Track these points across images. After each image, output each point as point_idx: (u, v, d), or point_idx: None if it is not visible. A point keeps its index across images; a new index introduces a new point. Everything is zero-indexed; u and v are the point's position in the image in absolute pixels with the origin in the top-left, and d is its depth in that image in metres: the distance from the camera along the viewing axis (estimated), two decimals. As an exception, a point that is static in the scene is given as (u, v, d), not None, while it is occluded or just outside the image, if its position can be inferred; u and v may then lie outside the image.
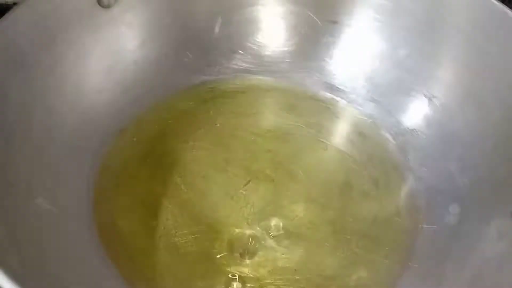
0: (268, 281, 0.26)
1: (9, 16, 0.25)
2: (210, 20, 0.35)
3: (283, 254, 0.27)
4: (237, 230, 0.28)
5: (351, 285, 0.26)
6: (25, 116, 0.27)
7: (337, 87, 0.36)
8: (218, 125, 0.33)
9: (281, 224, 0.28)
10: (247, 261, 0.26)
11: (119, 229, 0.27)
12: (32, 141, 0.26)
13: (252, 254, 0.27)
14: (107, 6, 0.31)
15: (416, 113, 0.33)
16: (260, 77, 0.36)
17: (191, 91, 0.35)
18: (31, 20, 0.27)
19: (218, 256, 0.26)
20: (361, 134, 0.34)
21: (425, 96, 0.33)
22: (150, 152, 0.31)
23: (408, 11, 0.33)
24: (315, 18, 0.36)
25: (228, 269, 0.26)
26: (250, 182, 0.30)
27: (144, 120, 0.33)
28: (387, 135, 0.33)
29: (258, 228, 0.28)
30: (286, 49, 0.37)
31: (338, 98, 0.35)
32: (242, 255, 0.27)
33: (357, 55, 0.36)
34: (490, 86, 0.30)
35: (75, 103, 0.30)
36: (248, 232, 0.28)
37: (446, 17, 0.31)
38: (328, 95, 0.36)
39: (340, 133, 0.34)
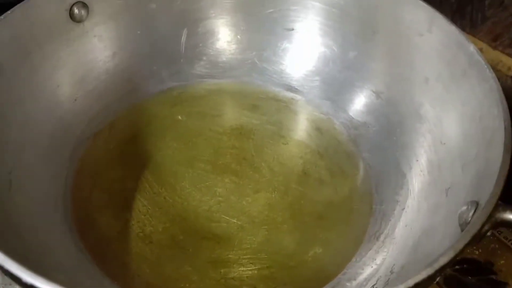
0: (234, 258, 0.28)
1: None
2: (175, 31, 0.39)
3: (248, 236, 0.29)
4: (204, 218, 0.30)
5: (308, 261, 0.29)
6: (4, 122, 0.29)
7: (296, 88, 0.39)
8: (185, 126, 0.36)
9: (245, 211, 0.31)
10: (215, 246, 0.29)
11: (96, 222, 0.29)
12: (10, 145, 0.29)
13: (219, 239, 0.29)
14: (79, 21, 0.34)
15: (366, 108, 0.37)
16: (223, 81, 0.39)
17: (160, 97, 0.38)
18: (8, 35, 0.29)
19: (186, 241, 0.29)
20: (318, 129, 0.37)
21: (373, 92, 0.37)
22: (123, 153, 0.34)
23: (354, 18, 0.37)
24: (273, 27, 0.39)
25: (197, 254, 0.29)
26: (216, 176, 0.33)
27: (117, 125, 0.36)
28: (341, 129, 0.37)
29: (223, 216, 0.30)
30: (248, 54, 0.40)
31: (297, 98, 0.39)
32: (209, 240, 0.29)
33: (312, 58, 0.39)
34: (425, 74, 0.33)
35: (51, 110, 0.33)
36: (215, 219, 0.30)
37: (381, 21, 0.35)
38: (288, 95, 0.39)
39: (299, 129, 0.37)
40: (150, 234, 0.29)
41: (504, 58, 0.36)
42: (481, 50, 0.37)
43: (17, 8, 0.30)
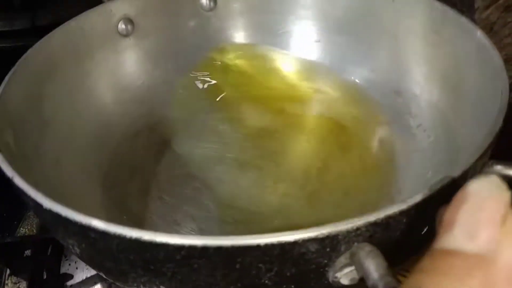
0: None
1: (47, 37, 0.33)
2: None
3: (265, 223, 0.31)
4: (225, 207, 0.32)
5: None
6: (56, 115, 0.33)
7: (320, 89, 0.41)
8: (216, 130, 0.39)
9: (265, 199, 0.32)
10: (238, 227, 0.31)
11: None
12: (60, 134, 0.33)
13: (238, 224, 0.31)
14: (126, 35, 0.39)
15: (390, 108, 0.38)
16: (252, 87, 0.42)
17: (196, 103, 0.41)
18: (64, 41, 0.34)
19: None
20: (342, 127, 0.38)
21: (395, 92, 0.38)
22: (161, 151, 0.37)
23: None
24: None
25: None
26: (239, 171, 0.35)
27: (154, 128, 0.39)
28: (364, 127, 0.38)
29: (242, 203, 0.32)
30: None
31: (321, 98, 0.40)
32: (228, 224, 0.31)
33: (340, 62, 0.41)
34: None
35: (97, 110, 0.37)
36: (236, 205, 0.32)
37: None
38: (314, 96, 0.41)
39: (322, 127, 0.39)
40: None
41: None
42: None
43: (72, 20, 0.35)
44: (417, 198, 0.18)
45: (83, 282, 0.37)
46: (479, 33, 0.29)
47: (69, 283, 0.38)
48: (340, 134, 0.37)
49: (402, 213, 0.18)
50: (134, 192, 0.33)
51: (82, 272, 0.38)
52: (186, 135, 0.39)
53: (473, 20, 0.36)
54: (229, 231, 0.31)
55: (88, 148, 0.35)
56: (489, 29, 0.36)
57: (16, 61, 0.30)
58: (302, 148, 0.37)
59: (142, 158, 0.37)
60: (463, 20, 0.30)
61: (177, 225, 0.31)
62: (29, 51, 0.31)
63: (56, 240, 0.24)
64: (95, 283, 0.36)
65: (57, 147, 0.31)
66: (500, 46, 0.36)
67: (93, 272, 0.37)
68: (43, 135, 0.31)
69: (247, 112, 0.40)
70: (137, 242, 0.17)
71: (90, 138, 0.35)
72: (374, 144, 0.36)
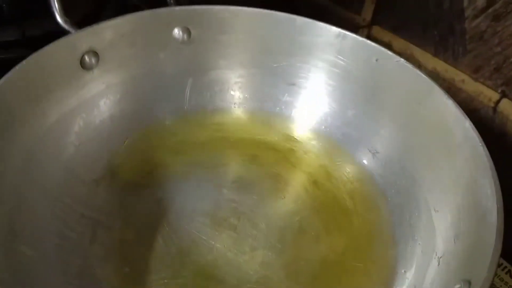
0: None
1: (2, 79, 0.28)
2: (181, 80, 0.40)
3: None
4: (201, 276, 0.31)
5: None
6: (11, 167, 0.29)
7: (295, 138, 0.40)
8: (186, 177, 0.37)
9: (242, 269, 0.31)
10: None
11: (96, 276, 0.30)
12: (15, 190, 0.29)
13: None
14: (89, 69, 0.35)
15: (362, 165, 0.38)
16: (226, 128, 0.40)
17: (164, 143, 0.38)
18: (21, 84, 0.30)
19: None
20: (315, 182, 0.38)
21: (370, 151, 0.38)
22: (124, 202, 0.34)
23: (355, 78, 0.38)
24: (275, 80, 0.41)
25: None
26: (215, 230, 0.33)
27: (119, 172, 0.36)
28: (338, 184, 0.38)
29: (220, 274, 0.31)
30: (250, 104, 0.41)
31: (295, 149, 0.40)
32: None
33: (312, 113, 0.40)
34: (421, 143, 0.35)
35: (56, 156, 0.33)
36: (211, 277, 0.31)
37: (386, 86, 0.36)
38: (287, 145, 0.40)
39: (296, 182, 0.38)
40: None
41: (485, 90, 0.38)
42: (462, 81, 0.39)
43: (32, 57, 0.30)
44: None
45: None
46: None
47: None
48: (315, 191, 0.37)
49: None
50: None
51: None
52: (151, 182, 0.36)
53: (463, 29, 0.37)
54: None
55: (46, 205, 0.31)
56: (479, 38, 0.37)
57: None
58: (279, 205, 0.36)
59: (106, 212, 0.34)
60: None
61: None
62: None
63: None
64: None
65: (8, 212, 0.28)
66: (489, 55, 0.37)
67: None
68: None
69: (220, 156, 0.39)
70: None
71: (48, 192, 0.32)
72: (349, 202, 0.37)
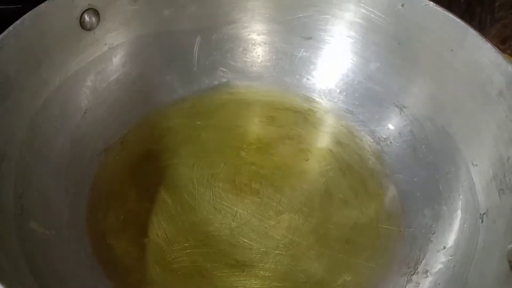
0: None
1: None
2: (190, 39, 0.37)
3: (272, 265, 0.28)
4: (227, 243, 0.29)
5: (337, 289, 0.27)
6: (13, 139, 0.27)
7: (314, 99, 0.38)
8: (200, 141, 0.34)
9: (268, 235, 0.29)
10: (238, 274, 0.28)
11: (113, 249, 0.28)
12: (20, 164, 0.27)
13: (242, 266, 0.28)
14: (89, 29, 0.32)
15: (388, 123, 0.35)
16: (238, 91, 0.37)
17: (173, 108, 0.36)
18: (17, 47, 0.27)
19: (208, 268, 0.28)
20: (339, 143, 0.35)
21: (396, 106, 0.35)
22: (137, 171, 0.32)
23: (378, 27, 0.35)
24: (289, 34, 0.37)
25: (220, 283, 0.27)
26: (237, 196, 0.31)
27: (129, 139, 0.34)
28: (363, 144, 0.35)
29: (246, 240, 0.29)
30: (264, 63, 0.38)
31: (315, 109, 0.37)
32: (232, 267, 0.28)
33: (331, 69, 0.37)
34: (454, 95, 0.32)
35: (61, 125, 0.31)
36: (237, 243, 0.29)
37: (413, 34, 0.33)
38: (306, 106, 0.37)
39: (319, 143, 0.36)
40: (170, 261, 0.28)
41: (512, 62, 0.35)
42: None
43: (26, 17, 0.28)
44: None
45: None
46: None
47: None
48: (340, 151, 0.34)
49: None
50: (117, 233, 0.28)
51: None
52: (164, 148, 0.34)
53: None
54: (233, 275, 0.28)
55: (54, 176, 0.29)
56: (510, 6, 0.34)
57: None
58: (302, 167, 0.33)
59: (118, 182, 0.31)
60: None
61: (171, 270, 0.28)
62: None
63: None
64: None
65: (17, 186, 0.26)
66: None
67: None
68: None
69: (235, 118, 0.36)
70: None
71: (55, 163, 0.29)
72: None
